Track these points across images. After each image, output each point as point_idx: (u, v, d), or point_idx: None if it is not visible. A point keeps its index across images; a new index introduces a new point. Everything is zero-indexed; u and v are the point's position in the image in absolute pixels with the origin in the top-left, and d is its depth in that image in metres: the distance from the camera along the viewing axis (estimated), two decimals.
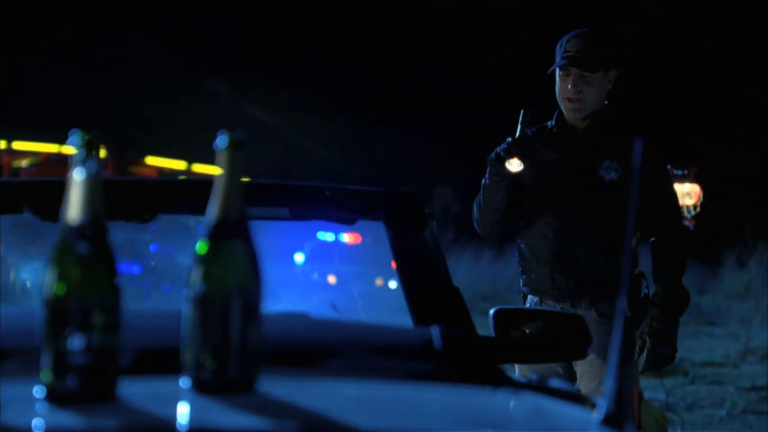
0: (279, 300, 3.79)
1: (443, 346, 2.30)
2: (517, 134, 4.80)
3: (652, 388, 9.97)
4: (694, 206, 7.68)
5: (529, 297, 5.05)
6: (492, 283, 19.55)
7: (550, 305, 4.96)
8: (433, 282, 3.44)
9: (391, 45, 41.80)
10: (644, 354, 4.93)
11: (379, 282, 24.49)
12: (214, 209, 1.94)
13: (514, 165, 4.82)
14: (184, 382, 1.89)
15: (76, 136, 1.93)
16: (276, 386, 1.94)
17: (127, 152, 22.87)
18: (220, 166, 1.96)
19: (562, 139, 5.01)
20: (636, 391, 7.79)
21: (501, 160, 4.82)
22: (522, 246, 5.03)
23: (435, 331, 2.35)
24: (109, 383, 1.84)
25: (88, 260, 1.83)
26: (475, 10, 38.26)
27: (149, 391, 1.93)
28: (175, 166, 23.36)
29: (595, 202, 4.88)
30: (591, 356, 4.86)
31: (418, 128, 38.45)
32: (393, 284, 24.42)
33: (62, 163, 21.56)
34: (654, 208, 4.93)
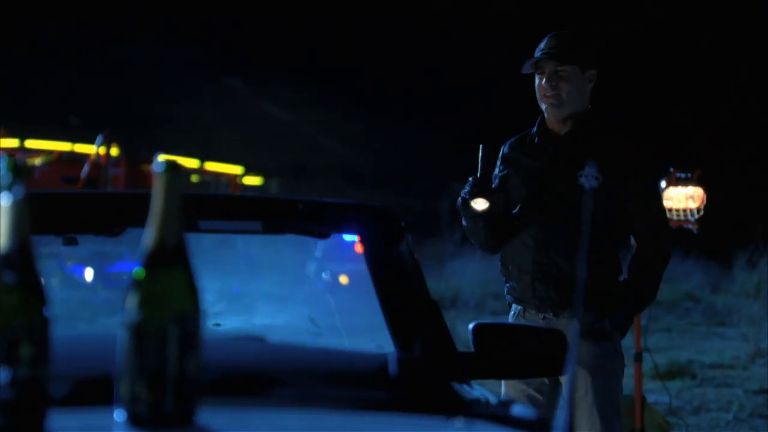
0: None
1: (398, 372, 2.23)
2: (478, 173, 4.76)
3: (657, 391, 9.91)
4: (698, 209, 7.57)
5: (513, 306, 4.99)
6: (502, 283, 19.45)
7: (533, 315, 4.89)
8: (411, 297, 3.37)
9: (408, 41, 41.71)
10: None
11: None
12: (150, 234, 1.87)
13: (479, 204, 4.77)
14: (119, 415, 1.83)
15: (2, 160, 1.86)
16: (216, 419, 1.87)
17: (140, 151, 22.83)
18: (156, 191, 1.90)
19: (544, 146, 4.93)
20: (638, 396, 7.72)
21: (466, 202, 4.78)
22: (504, 255, 4.97)
23: (391, 357, 2.29)
24: (37, 418, 1.78)
25: (13, 289, 1.77)
26: (497, 7, 38.17)
27: (81, 424, 1.87)
28: (187, 164, 23.31)
29: (575, 210, 4.80)
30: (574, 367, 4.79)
31: (435, 124, 38.39)
32: None
33: (75, 161, 21.59)
34: (636, 214, 4.85)
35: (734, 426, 9.31)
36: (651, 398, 9.78)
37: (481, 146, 4.77)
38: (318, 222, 3.22)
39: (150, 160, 22.38)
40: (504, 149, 5.04)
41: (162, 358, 1.84)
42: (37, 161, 22.28)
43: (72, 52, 36.92)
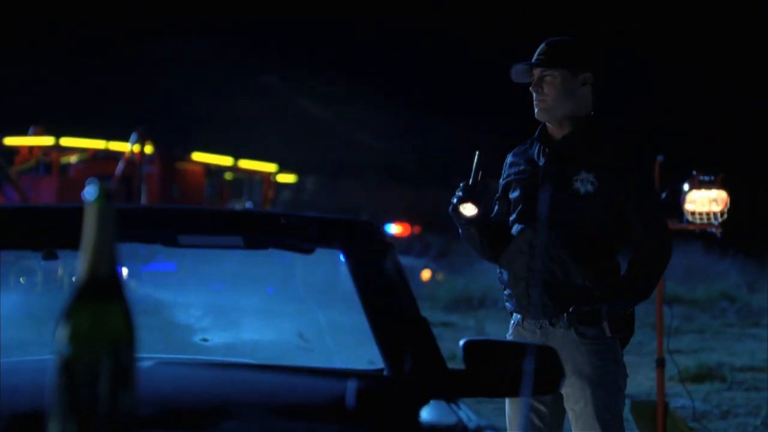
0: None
1: (355, 403, 2.16)
2: (470, 180, 4.75)
3: (685, 395, 9.78)
4: (721, 213, 7.43)
5: (513, 315, 4.92)
6: None
7: (530, 323, 4.81)
8: (397, 313, 3.30)
9: (446, 37, 41.60)
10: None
11: (426, 275, 24.45)
12: (82, 265, 1.80)
13: (468, 209, 4.77)
14: None
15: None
16: None
17: (174, 148, 22.86)
18: (88, 220, 1.83)
19: (542, 151, 4.87)
20: (660, 402, 7.60)
21: (456, 208, 4.75)
22: (501, 261, 4.90)
23: (350, 386, 2.21)
24: None
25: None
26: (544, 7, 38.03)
27: None
28: (221, 162, 23.33)
29: (570, 215, 4.72)
30: (573, 378, 4.71)
31: (475, 120, 38.27)
32: (440, 276, 24.36)
33: (110, 159, 21.64)
34: (633, 220, 4.78)
35: (762, 431, 9.17)
36: (678, 403, 9.66)
37: (477, 153, 4.76)
38: (300, 237, 3.15)
39: (185, 157, 22.44)
40: (508, 157, 5.00)
41: (93, 395, 1.77)
42: (72, 159, 22.37)
43: (109, 49, 37.04)
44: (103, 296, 1.80)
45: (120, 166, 20.72)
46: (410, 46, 42.52)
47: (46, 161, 22.19)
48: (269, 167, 24.32)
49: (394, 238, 26.91)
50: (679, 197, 7.45)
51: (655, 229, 4.79)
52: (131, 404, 1.79)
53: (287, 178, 26.03)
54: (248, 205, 23.28)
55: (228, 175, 23.81)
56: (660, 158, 7.71)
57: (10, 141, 21.58)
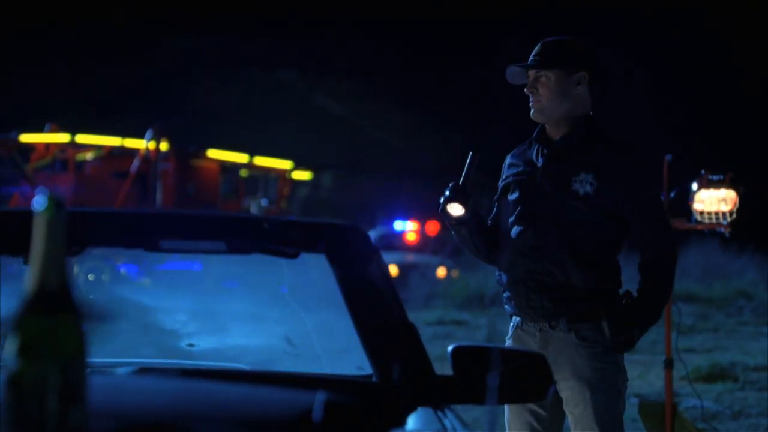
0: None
1: (322, 419, 2.10)
2: (461, 179, 4.71)
3: (694, 395, 9.70)
4: (730, 213, 7.36)
5: (513, 318, 4.86)
6: None
7: (530, 326, 4.75)
8: (384, 318, 3.25)
9: (461, 35, 41.52)
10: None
11: (441, 272, 24.41)
12: (30, 278, 1.76)
13: (455, 209, 4.73)
14: None
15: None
16: None
17: (189, 145, 22.83)
18: (37, 231, 1.78)
19: (540, 152, 4.82)
20: (669, 403, 7.53)
21: (443, 208, 4.72)
22: (500, 264, 4.85)
23: (318, 399, 2.16)
24: None
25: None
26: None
27: None
28: (237, 159, 23.29)
29: (569, 216, 4.67)
30: (573, 381, 4.68)
31: (490, 117, 38.18)
32: (456, 273, 24.25)
33: (125, 156, 21.63)
34: (635, 221, 4.72)
35: None
36: (690, 403, 9.58)
37: (470, 153, 4.74)
38: (284, 241, 3.10)
39: (200, 154, 22.42)
40: (507, 158, 4.94)
41: (41, 411, 1.72)
42: (88, 156, 22.36)
43: (125, 46, 37.07)
44: (52, 309, 1.75)
45: (135, 164, 20.71)
46: (429, 43, 42.46)
47: (62, 158, 22.19)
48: (285, 164, 24.28)
49: (410, 235, 26.90)
50: (687, 197, 7.38)
51: (658, 231, 4.73)
52: (81, 421, 1.74)
53: (303, 175, 25.98)
54: (263, 202, 23.25)
55: (243, 173, 23.77)
56: (668, 157, 7.63)
57: (26, 138, 21.58)
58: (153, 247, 3.03)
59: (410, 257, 25.40)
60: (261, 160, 23.75)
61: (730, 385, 10.86)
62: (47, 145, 21.85)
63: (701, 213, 7.38)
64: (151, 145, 20.11)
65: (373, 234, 27.71)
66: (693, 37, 33.97)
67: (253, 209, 22.76)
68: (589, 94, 4.80)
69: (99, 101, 33.33)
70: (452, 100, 40.45)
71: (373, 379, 3.25)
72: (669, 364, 7.67)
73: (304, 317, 3.52)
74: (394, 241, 26.72)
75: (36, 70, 35.70)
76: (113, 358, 3.33)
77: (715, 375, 11.11)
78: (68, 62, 35.98)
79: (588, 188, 4.68)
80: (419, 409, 3.13)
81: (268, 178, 24.36)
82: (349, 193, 37.86)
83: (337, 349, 3.46)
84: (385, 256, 25.51)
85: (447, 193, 4.73)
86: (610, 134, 4.82)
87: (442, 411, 3.15)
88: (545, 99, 4.75)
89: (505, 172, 4.91)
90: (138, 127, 21.06)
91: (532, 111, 4.80)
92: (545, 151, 4.80)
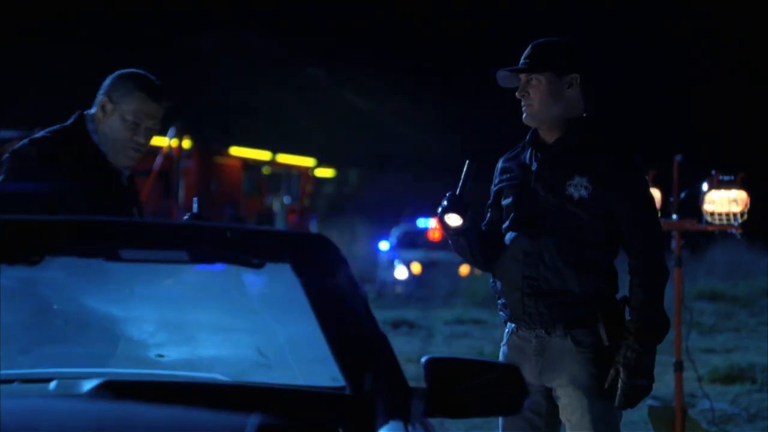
0: None
1: (308, 423, 2.01)
2: (458, 189, 4.65)
3: (712, 397, 9.58)
4: (741, 213, 7.25)
5: (508, 324, 4.78)
6: None
7: (525, 333, 4.67)
8: (355, 330, 3.17)
9: (489, 30, 41.42)
10: (619, 387, 4.60)
11: (465, 270, 24.29)
12: None
13: (453, 220, 4.65)
14: None
15: None
16: None
17: (212, 143, 22.82)
18: None
19: (533, 156, 4.74)
20: (679, 407, 7.42)
21: (441, 218, 4.66)
22: (494, 270, 4.76)
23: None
24: None
25: None
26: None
27: None
28: (259, 156, 23.28)
29: (564, 221, 4.59)
30: (570, 388, 4.60)
31: (516, 113, 38.00)
32: (479, 271, 24.11)
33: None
34: (625, 225, 4.63)
35: None
36: (707, 405, 9.44)
37: (467, 162, 4.68)
38: (248, 251, 3.02)
39: (222, 152, 22.41)
40: (499, 162, 4.86)
41: None
42: None
43: (147, 42, 37.13)
44: None
45: (158, 161, 20.70)
46: (456, 39, 42.36)
47: None
48: (307, 161, 24.25)
49: (433, 232, 26.77)
50: (697, 197, 7.29)
51: (647, 237, 4.66)
52: None
53: (326, 172, 25.96)
54: (286, 199, 23.23)
55: (266, 170, 23.76)
56: (678, 158, 7.54)
57: None
58: (113, 256, 2.96)
59: (433, 255, 25.30)
60: (283, 158, 23.73)
61: (748, 387, 10.70)
62: None
63: (711, 214, 7.28)
64: (174, 142, 20.10)
65: (396, 231, 27.62)
66: (706, 36, 33.80)
67: (276, 207, 22.74)
68: (582, 96, 4.72)
69: None
70: (481, 97, 40.30)
71: (346, 391, 3.17)
72: (679, 367, 7.57)
73: (275, 328, 3.44)
74: (417, 239, 26.60)
75: (58, 66, 35.78)
76: (79, 368, 3.26)
77: (732, 376, 10.95)
78: (91, 60, 36.05)
79: (583, 192, 4.61)
80: (391, 422, 3.06)
81: (291, 176, 24.35)
82: (375, 190, 37.80)
83: (311, 360, 3.38)
84: (408, 253, 25.54)
85: (444, 203, 4.66)
86: (604, 137, 4.74)
87: (413, 425, 3.07)
88: (537, 102, 4.68)
89: (498, 177, 4.84)
90: (161, 124, 21.04)
91: (524, 115, 4.72)
92: (539, 155, 4.73)
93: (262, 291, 3.33)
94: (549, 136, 4.74)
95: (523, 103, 4.71)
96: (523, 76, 4.71)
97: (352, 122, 40.64)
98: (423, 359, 3.21)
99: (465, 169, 4.67)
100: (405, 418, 3.09)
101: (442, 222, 4.70)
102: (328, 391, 3.24)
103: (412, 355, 12.90)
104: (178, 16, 38.82)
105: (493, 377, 3.18)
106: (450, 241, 4.80)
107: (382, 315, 16.76)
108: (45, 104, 30.51)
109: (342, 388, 3.19)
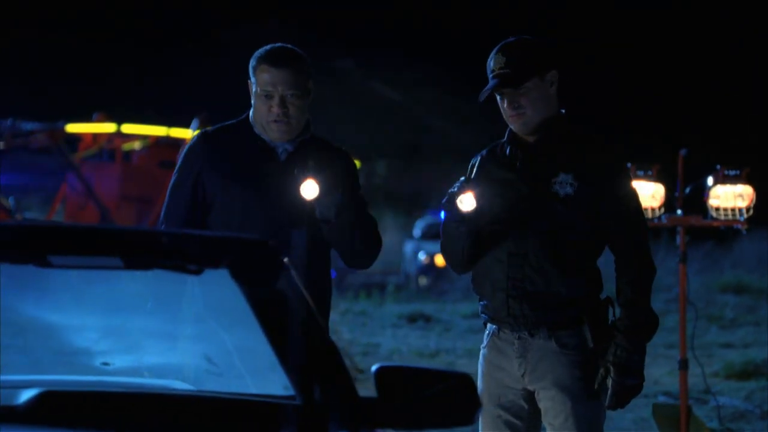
0: None
1: None
2: (471, 175, 4.63)
3: (726, 393, 9.46)
4: (747, 209, 7.12)
5: (488, 326, 4.68)
6: None
7: (507, 335, 4.57)
8: (300, 338, 3.07)
9: (520, 21, 41.20)
10: (609, 387, 4.49)
11: None
12: None
13: (466, 203, 4.46)
14: None
15: None
16: None
17: None
18: None
19: (515, 154, 4.62)
20: (683, 406, 7.30)
21: (452, 201, 4.47)
22: (477, 271, 4.65)
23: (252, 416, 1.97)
24: None
25: None
26: None
27: None
28: None
29: (550, 219, 4.48)
30: (553, 391, 4.53)
31: None
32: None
33: (171, 146, 21.52)
34: (612, 222, 4.53)
35: None
36: (721, 401, 9.29)
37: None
38: (184, 256, 2.92)
39: None
40: (475, 161, 4.74)
41: None
42: (135, 146, 22.32)
43: (173, 35, 37.14)
44: None
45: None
46: (486, 30, 42.17)
47: (110, 148, 22.19)
48: None
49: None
50: (702, 192, 7.18)
51: (639, 245, 4.55)
52: None
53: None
54: None
55: None
56: (683, 152, 7.42)
57: (72, 128, 21.59)
58: (42, 263, 2.87)
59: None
60: None
61: (763, 383, 10.56)
62: (94, 136, 21.83)
63: (717, 209, 7.17)
64: (197, 133, 20.00)
65: (420, 223, 27.45)
66: (708, 31, 33.53)
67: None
68: (557, 91, 4.65)
69: (146, 90, 33.36)
70: None
71: (296, 401, 3.09)
72: (684, 365, 7.47)
73: (222, 335, 3.35)
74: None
75: (82, 59, 35.79)
76: (23, 375, 3.17)
77: (748, 372, 10.82)
78: (114, 52, 36.07)
79: (569, 189, 4.53)
80: None
81: None
82: (404, 181, 37.68)
83: (262, 368, 3.28)
84: (431, 245, 25.30)
85: (456, 186, 4.52)
86: (583, 131, 4.66)
87: None
88: (530, 110, 4.60)
89: (475, 177, 4.69)
90: (184, 116, 21.00)
91: (516, 124, 4.60)
92: (520, 153, 4.62)
93: (206, 297, 3.23)
94: (529, 134, 4.64)
95: (512, 113, 4.59)
96: (510, 90, 4.59)
97: (381, 113, 40.52)
98: (373, 368, 3.11)
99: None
100: (355, 428, 3.01)
101: (451, 205, 4.51)
102: (278, 400, 3.15)
103: (425, 351, 12.82)
104: (204, 9, 38.81)
105: (445, 387, 3.09)
106: (448, 229, 4.61)
107: (399, 308, 16.68)
108: (67, 98, 30.58)
109: (293, 398, 3.10)
